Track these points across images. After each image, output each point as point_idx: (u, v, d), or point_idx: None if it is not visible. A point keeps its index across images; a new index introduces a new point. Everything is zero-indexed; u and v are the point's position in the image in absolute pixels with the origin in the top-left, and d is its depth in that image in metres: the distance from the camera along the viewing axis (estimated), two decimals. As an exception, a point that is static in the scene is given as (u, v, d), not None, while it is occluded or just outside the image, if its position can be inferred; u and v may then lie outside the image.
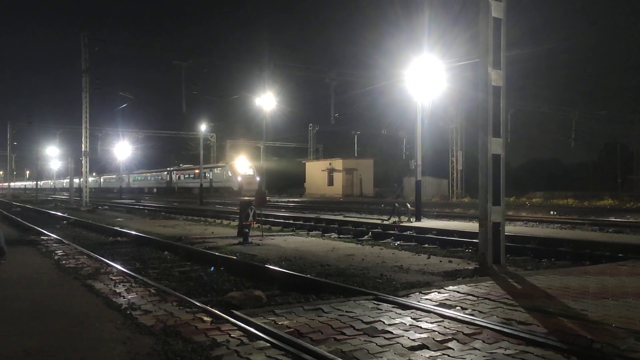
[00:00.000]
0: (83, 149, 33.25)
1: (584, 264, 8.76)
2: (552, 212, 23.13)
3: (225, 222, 19.52)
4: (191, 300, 5.53)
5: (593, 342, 3.84)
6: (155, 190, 75.91)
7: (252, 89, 38.21)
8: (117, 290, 6.05)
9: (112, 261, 8.67)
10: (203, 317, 4.77)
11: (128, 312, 4.99)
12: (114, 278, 6.89)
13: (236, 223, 15.29)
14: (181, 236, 13.13)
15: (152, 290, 6.05)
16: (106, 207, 33.54)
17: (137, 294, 5.85)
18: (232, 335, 4.15)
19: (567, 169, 58.90)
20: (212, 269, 8.65)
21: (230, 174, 58.99)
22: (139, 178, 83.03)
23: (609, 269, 7.22)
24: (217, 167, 63.46)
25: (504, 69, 7.66)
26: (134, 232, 14.17)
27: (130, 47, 34.77)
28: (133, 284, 6.48)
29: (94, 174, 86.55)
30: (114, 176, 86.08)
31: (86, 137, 32.59)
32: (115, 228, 15.56)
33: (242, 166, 58.63)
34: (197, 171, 63.81)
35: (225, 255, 9.51)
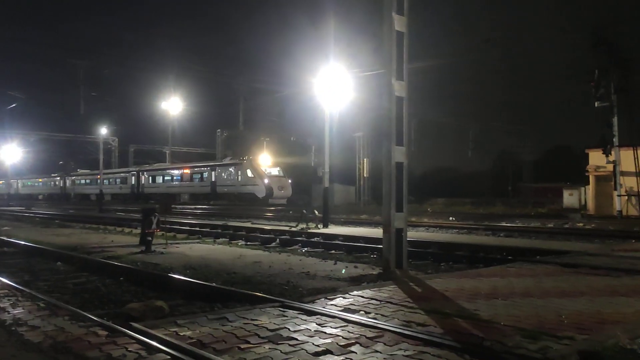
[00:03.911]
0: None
1: (478, 267, 9.30)
2: (451, 218, 24.42)
3: (126, 230, 18.62)
4: (85, 313, 5.19)
5: (484, 340, 4.07)
6: (110, 197, 59.00)
7: (157, 92, 36.98)
8: (1, 305, 5.55)
9: (-4, 274, 7.96)
10: (98, 331, 4.49)
11: (13, 328, 4.61)
12: (-3, 292, 6.32)
13: (138, 231, 14.64)
14: (77, 245, 12.35)
15: (41, 304, 5.62)
16: (-8, 215, 30.84)
17: (23, 309, 5.42)
18: (129, 349, 3.94)
19: (466, 177, 62.59)
20: None
21: (250, 175, 43.05)
22: (84, 182, 64.37)
23: (500, 271, 7.72)
24: (223, 165, 46.65)
25: (407, 81, 7.98)
26: (22, 242, 13.13)
27: (20, 42, 32.35)
28: (19, 298, 5.98)
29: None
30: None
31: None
32: (1, 238, 14.32)
33: (266, 164, 44.03)
34: (187, 171, 50.58)
35: (125, 265, 9.07)
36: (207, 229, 17.92)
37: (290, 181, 44.83)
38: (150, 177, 55.11)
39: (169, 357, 3.77)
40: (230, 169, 45.34)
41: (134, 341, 4.14)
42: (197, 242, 13.98)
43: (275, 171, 43.86)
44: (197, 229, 18.24)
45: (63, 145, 67.44)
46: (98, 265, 9.34)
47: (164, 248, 11.86)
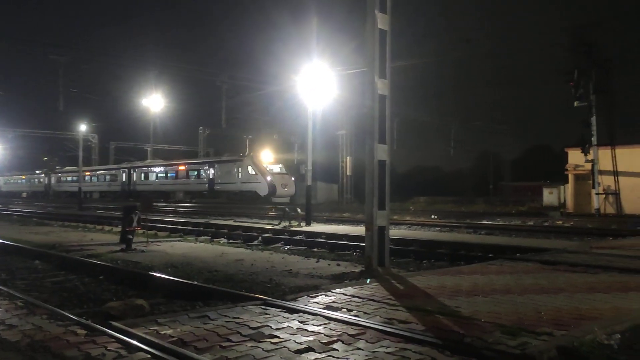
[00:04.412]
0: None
1: (459, 264, 9.37)
2: (433, 216, 24.59)
3: (107, 228, 18.41)
4: (63, 312, 5.11)
5: (464, 337, 4.10)
6: (98, 194, 57.03)
7: (138, 89, 36.56)
8: (-23, 305, 5.45)
9: (-28, 272, 7.81)
10: (77, 330, 4.43)
11: (-11, 328, 4.52)
12: (-27, 291, 6.20)
13: (119, 229, 14.48)
14: (55, 244, 12.17)
15: (19, 303, 5.53)
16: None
17: (0, 308, 5.32)
18: (108, 348, 3.89)
19: (448, 176, 63.11)
20: None
21: (252, 172, 40.74)
22: (70, 179, 60.74)
23: (480, 268, 7.79)
24: (222, 161, 44.04)
25: (389, 79, 7.99)
26: None
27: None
28: (-4, 297, 5.88)
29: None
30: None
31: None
32: (-22, 236, 14.05)
33: (267, 161, 41.72)
34: (182, 168, 48.10)
35: (105, 263, 8.96)
36: (189, 227, 17.80)
37: (293, 179, 42.42)
38: (142, 174, 52.30)
39: (149, 355, 3.73)
40: (230, 166, 42.60)
41: (113, 340, 4.09)
42: (179, 240, 13.88)
43: (277, 168, 41.63)
44: (179, 227, 18.11)
45: (42, 142, 66.33)
46: (77, 264, 9.22)
47: (144, 246, 11.75)
